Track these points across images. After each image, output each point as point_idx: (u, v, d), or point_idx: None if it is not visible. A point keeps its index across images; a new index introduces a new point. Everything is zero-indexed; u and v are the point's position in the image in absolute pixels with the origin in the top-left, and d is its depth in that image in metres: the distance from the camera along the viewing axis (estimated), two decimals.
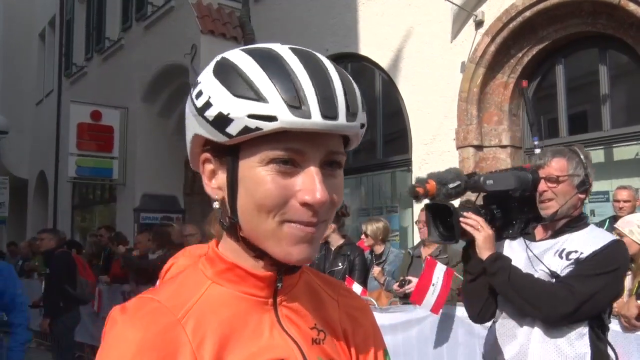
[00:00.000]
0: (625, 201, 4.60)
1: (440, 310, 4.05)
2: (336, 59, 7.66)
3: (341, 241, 5.13)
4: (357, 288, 4.53)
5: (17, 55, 17.99)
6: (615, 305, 3.34)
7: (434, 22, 6.74)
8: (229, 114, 0.71)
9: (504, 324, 2.09)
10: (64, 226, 13.66)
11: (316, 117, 0.69)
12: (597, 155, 6.03)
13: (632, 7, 5.22)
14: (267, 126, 0.69)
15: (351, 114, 0.73)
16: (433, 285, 4.00)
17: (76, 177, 11.47)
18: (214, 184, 0.78)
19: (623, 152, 5.88)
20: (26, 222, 17.15)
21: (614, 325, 3.35)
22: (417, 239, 5.64)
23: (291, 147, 0.71)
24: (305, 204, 0.72)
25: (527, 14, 5.91)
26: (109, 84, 12.34)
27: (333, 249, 5.11)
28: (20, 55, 17.89)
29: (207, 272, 0.80)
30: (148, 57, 10.73)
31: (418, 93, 6.91)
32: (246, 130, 0.70)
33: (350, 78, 0.77)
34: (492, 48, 6.19)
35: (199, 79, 0.77)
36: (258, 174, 0.72)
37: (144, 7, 11.14)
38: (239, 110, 0.70)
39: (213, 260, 0.81)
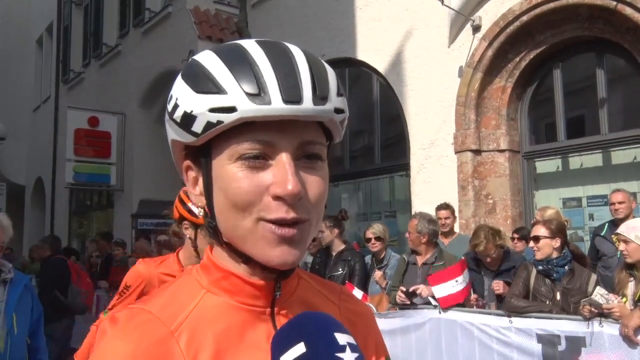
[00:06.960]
0: (619, 202, 4.65)
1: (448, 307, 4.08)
2: (334, 63, 7.67)
3: (342, 246, 5.11)
4: (357, 293, 4.51)
5: (14, 62, 18.00)
6: (618, 311, 3.31)
7: (432, 27, 6.75)
8: (192, 111, 0.69)
9: None
10: (61, 232, 13.62)
11: (277, 103, 0.66)
12: (595, 159, 6.04)
13: (628, 11, 5.23)
14: (228, 118, 0.67)
15: (319, 98, 0.69)
16: (456, 281, 4.00)
17: (73, 183, 11.45)
18: (197, 190, 0.76)
19: (621, 156, 5.88)
20: (23, 229, 17.09)
21: (613, 330, 3.33)
22: None
23: (259, 139, 0.68)
24: (277, 198, 0.68)
25: (524, 18, 5.92)
26: (106, 90, 12.34)
27: (334, 254, 5.09)
28: (18, 61, 17.89)
29: (201, 280, 0.77)
30: (145, 63, 10.73)
31: (416, 98, 6.91)
32: (209, 125, 0.68)
33: (325, 64, 0.74)
34: (490, 53, 6.20)
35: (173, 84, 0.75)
36: (228, 172, 0.70)
37: (141, 13, 11.15)
38: (201, 106, 0.68)
39: (208, 268, 0.78)
